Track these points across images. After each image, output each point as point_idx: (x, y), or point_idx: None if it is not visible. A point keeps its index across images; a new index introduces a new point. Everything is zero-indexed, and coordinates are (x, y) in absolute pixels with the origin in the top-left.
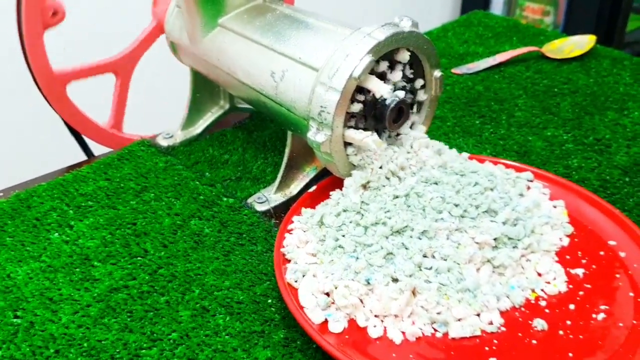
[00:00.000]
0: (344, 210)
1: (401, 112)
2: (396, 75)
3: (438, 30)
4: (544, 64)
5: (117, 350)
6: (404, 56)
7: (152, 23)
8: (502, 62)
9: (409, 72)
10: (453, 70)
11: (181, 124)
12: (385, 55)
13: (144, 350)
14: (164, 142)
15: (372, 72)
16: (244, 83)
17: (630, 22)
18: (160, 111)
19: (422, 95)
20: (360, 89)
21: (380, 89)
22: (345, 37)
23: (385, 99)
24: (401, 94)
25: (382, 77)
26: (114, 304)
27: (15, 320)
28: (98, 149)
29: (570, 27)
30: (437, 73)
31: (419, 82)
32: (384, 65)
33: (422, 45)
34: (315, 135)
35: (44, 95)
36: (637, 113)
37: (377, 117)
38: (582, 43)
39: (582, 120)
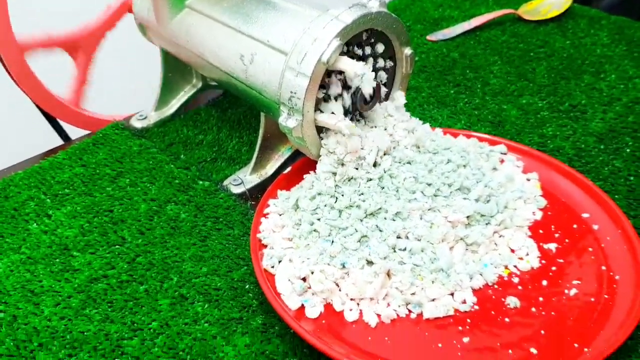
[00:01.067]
0: (319, 194)
1: (372, 93)
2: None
3: None
4: (520, 27)
5: (100, 342)
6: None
7: (117, 1)
8: (477, 27)
9: (379, 51)
10: (428, 37)
11: (154, 105)
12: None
13: (125, 341)
14: (138, 124)
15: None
16: (214, 65)
17: None
18: (133, 90)
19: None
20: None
21: (354, 67)
22: (312, 19)
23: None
24: (372, 75)
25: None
26: (94, 294)
27: None
28: (74, 133)
29: None
30: (408, 51)
31: (388, 62)
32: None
33: (391, 24)
34: (287, 121)
35: (4, 66)
36: (614, 76)
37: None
38: (559, 3)
39: (558, 86)
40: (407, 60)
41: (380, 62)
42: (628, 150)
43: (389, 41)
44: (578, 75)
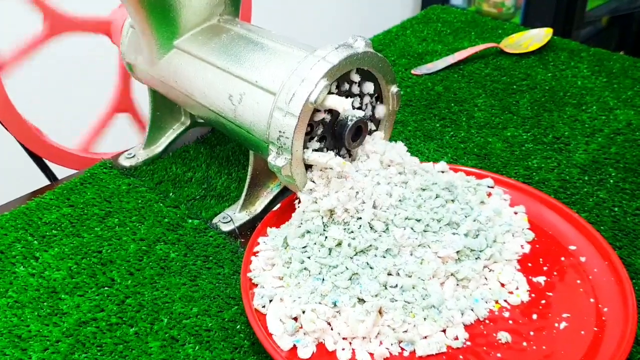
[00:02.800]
0: (307, 232)
1: (359, 130)
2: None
3: (397, 29)
4: (503, 60)
5: None
6: (357, 77)
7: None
8: (461, 60)
9: (368, 89)
10: (413, 72)
11: (143, 143)
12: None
13: None
14: (126, 162)
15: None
16: (203, 105)
17: (591, 1)
18: (121, 128)
19: (380, 111)
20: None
21: (342, 103)
22: (300, 60)
23: (344, 119)
24: (359, 112)
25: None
26: (83, 338)
27: None
28: (61, 172)
29: (530, 10)
30: (394, 89)
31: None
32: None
33: (377, 64)
34: (276, 160)
35: None
36: (595, 107)
37: (336, 136)
38: (539, 36)
39: (541, 118)
40: (393, 98)
41: (367, 99)
42: (612, 181)
43: (375, 79)
44: (560, 107)
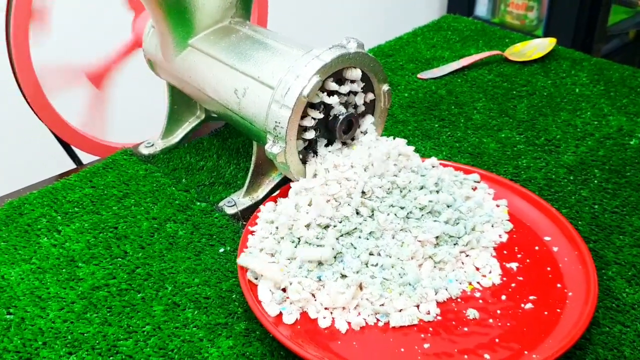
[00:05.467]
0: (298, 212)
1: (350, 124)
2: (344, 90)
3: (408, 35)
4: (506, 67)
5: (97, 342)
6: (352, 74)
7: (131, 38)
8: (466, 66)
9: (359, 88)
10: (419, 76)
11: (161, 134)
12: (337, 73)
13: (120, 342)
14: (145, 151)
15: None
16: (212, 98)
17: (613, 15)
18: (144, 119)
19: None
20: (313, 105)
21: (331, 100)
22: (297, 58)
23: (336, 114)
24: (343, 109)
25: (331, 93)
26: (95, 300)
27: (8, 316)
28: (86, 158)
29: (553, 22)
30: (385, 87)
31: (369, 96)
32: (334, 84)
33: (368, 63)
34: (272, 147)
35: (26, 99)
36: (589, 113)
37: (329, 129)
38: (543, 45)
39: (536, 122)
40: (384, 96)
41: (360, 96)
42: (596, 181)
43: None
44: (556, 112)
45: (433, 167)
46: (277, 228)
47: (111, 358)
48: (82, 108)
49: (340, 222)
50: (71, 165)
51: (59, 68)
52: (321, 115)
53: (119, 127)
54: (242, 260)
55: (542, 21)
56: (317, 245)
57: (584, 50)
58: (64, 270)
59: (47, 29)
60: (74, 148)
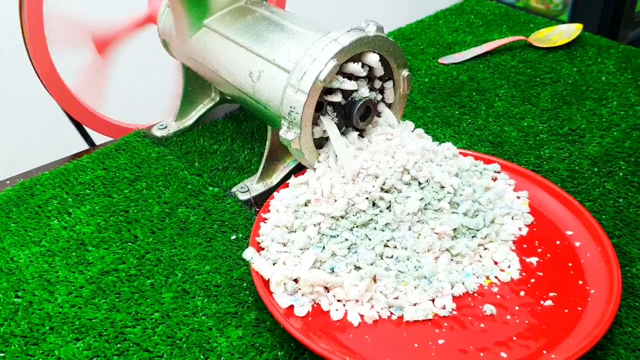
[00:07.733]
0: (309, 202)
1: (368, 110)
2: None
3: (430, 19)
4: (530, 53)
5: (105, 328)
6: (371, 59)
7: (146, 11)
8: (488, 51)
9: (379, 73)
10: (440, 60)
11: (174, 116)
12: (355, 57)
13: (128, 329)
14: (158, 133)
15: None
16: (227, 80)
17: None
18: (156, 101)
19: (389, 95)
20: (331, 90)
21: (348, 85)
22: (314, 41)
23: (353, 99)
24: (366, 92)
25: (350, 77)
26: (104, 285)
27: (16, 300)
28: (99, 139)
29: (579, 6)
30: (405, 73)
31: (388, 83)
32: (353, 66)
33: (387, 48)
34: (286, 133)
35: (39, 77)
36: (616, 102)
37: (346, 115)
38: (569, 31)
39: (560, 110)
40: (404, 82)
41: (377, 83)
42: (621, 173)
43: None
44: (581, 101)
45: (454, 156)
46: (292, 216)
47: (118, 345)
48: (80, 72)
49: (355, 215)
50: (84, 146)
51: (67, 21)
52: (340, 99)
53: (131, 108)
54: (248, 254)
55: (567, 6)
56: (331, 236)
57: (610, 37)
58: (73, 253)
59: None
60: (86, 128)
